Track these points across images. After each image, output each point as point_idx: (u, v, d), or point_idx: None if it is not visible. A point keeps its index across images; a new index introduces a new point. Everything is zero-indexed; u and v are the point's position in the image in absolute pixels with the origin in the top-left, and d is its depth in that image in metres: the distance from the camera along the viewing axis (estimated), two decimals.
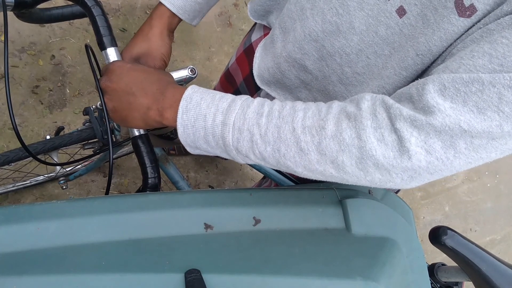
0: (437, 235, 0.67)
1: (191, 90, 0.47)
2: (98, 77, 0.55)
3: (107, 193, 0.57)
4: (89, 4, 0.56)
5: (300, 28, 0.53)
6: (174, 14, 0.61)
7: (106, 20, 0.57)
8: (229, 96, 0.46)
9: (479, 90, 0.34)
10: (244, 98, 0.46)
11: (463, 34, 0.40)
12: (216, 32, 1.72)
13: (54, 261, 0.40)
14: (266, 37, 0.65)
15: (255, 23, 0.78)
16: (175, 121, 0.46)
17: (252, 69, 0.66)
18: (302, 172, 0.44)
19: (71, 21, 1.43)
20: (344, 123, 0.40)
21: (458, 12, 0.38)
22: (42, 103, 1.36)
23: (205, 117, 0.44)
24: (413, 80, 0.47)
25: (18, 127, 1.31)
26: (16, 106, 1.32)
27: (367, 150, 0.39)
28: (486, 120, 0.35)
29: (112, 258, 0.41)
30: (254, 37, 0.75)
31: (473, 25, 0.39)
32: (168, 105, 0.47)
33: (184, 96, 0.46)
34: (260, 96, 0.73)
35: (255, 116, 0.43)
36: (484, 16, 0.38)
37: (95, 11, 0.56)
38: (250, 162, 0.48)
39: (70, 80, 1.41)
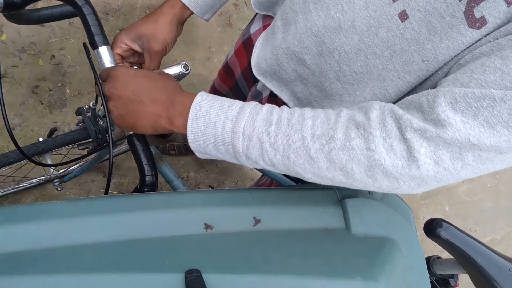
0: (432, 228, 0.67)
1: (200, 98, 0.47)
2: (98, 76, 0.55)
3: (106, 193, 0.57)
4: (79, 3, 0.55)
5: (302, 22, 0.53)
6: (186, 6, 0.62)
7: (97, 19, 0.56)
8: (238, 103, 0.46)
9: (490, 105, 0.35)
10: (253, 105, 0.46)
11: (471, 45, 0.40)
12: (216, 32, 1.72)
13: (54, 261, 0.40)
14: (267, 28, 0.65)
15: (255, 16, 0.78)
16: (185, 128, 0.46)
17: (251, 60, 0.66)
18: (311, 178, 0.45)
19: (71, 21, 1.43)
20: (353, 132, 0.41)
21: (468, 23, 0.39)
22: (42, 103, 1.36)
23: (215, 125, 0.45)
24: (416, 86, 0.47)
25: (18, 127, 1.31)
26: (16, 106, 1.32)
27: (376, 159, 0.40)
28: (496, 135, 0.35)
29: (112, 258, 0.41)
30: (253, 29, 0.75)
31: (482, 38, 0.39)
32: (178, 113, 0.47)
33: (193, 104, 0.46)
34: (257, 88, 0.73)
35: (264, 123, 0.44)
36: (494, 30, 0.38)
37: (86, 10, 0.56)
38: (259, 167, 0.48)
39: (70, 80, 1.41)
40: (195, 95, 0.48)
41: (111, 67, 0.53)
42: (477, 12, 0.38)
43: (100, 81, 0.53)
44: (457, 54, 0.42)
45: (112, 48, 0.61)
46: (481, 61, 0.38)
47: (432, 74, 0.45)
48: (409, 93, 0.49)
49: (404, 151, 0.39)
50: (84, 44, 0.59)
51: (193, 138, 0.46)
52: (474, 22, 0.38)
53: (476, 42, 0.40)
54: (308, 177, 0.45)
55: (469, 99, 0.36)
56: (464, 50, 0.41)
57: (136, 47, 0.62)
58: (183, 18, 0.64)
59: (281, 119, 0.44)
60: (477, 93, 0.35)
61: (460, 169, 0.38)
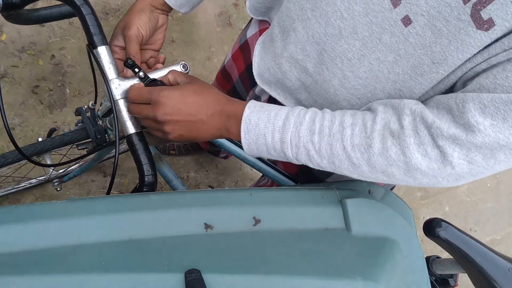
0: (431, 227, 0.68)
1: (248, 111, 0.51)
2: (97, 75, 0.55)
3: (108, 192, 0.57)
4: (78, 3, 0.55)
5: (302, 29, 0.53)
6: None
7: (96, 19, 0.56)
8: (283, 112, 0.50)
9: None
10: (296, 113, 0.50)
11: (483, 49, 0.41)
12: (216, 32, 1.72)
13: (54, 261, 0.40)
14: (264, 35, 0.65)
15: (251, 19, 0.78)
16: (240, 136, 0.52)
17: (248, 65, 0.66)
18: (357, 177, 0.50)
19: (71, 21, 1.43)
20: (389, 141, 0.44)
21: (476, 25, 0.39)
22: (42, 103, 1.36)
23: (264, 136, 0.50)
24: (428, 89, 0.47)
25: (18, 127, 1.31)
26: (16, 106, 1.32)
27: (413, 164, 0.43)
28: None
29: (112, 258, 0.41)
30: (249, 33, 0.75)
31: (493, 42, 0.40)
32: (234, 124, 0.52)
33: (243, 117, 0.51)
34: (255, 92, 0.73)
35: (308, 133, 0.48)
36: (504, 35, 0.39)
37: (84, 10, 0.55)
38: (309, 166, 0.53)
39: (70, 80, 1.41)
40: (244, 104, 0.52)
41: (150, 91, 0.53)
42: (485, 15, 0.38)
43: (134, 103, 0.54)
44: (469, 59, 0.42)
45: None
46: (502, 66, 0.39)
47: (444, 77, 0.46)
48: (423, 95, 0.49)
49: (438, 155, 0.42)
50: (88, 46, 0.58)
51: (248, 147, 0.52)
52: (482, 24, 0.39)
53: (488, 46, 0.40)
54: (354, 177, 0.50)
55: (497, 103, 0.38)
56: (476, 55, 0.42)
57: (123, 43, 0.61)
58: (156, 4, 0.63)
59: (323, 128, 0.48)
60: (504, 97, 0.38)
61: (493, 164, 0.41)
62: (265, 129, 0.50)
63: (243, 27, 1.78)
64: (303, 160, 0.50)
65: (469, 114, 0.39)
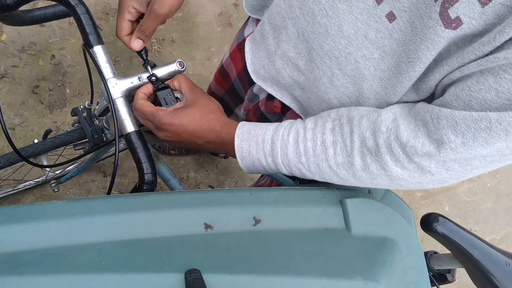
0: (428, 222, 0.67)
1: (238, 140, 0.55)
2: (93, 76, 0.55)
3: (109, 192, 0.57)
4: (73, 3, 0.55)
5: (292, 27, 0.53)
6: None
7: (91, 18, 0.56)
8: (268, 136, 0.53)
9: (487, 127, 0.38)
10: (280, 136, 0.53)
11: (457, 51, 0.41)
12: (216, 32, 1.72)
13: (54, 261, 0.40)
14: (254, 33, 0.65)
15: (248, 18, 0.78)
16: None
17: (246, 64, 0.66)
18: (351, 185, 0.53)
19: (71, 21, 1.43)
20: (368, 158, 0.47)
21: (444, 24, 0.38)
22: (42, 103, 1.36)
23: (259, 160, 0.55)
24: (409, 86, 0.47)
25: (18, 127, 1.31)
26: (16, 106, 1.32)
27: (395, 176, 0.46)
28: (495, 147, 0.39)
29: (112, 258, 0.41)
30: (247, 32, 0.75)
31: (466, 46, 0.40)
32: (230, 149, 0.56)
33: (235, 147, 0.55)
34: (253, 91, 0.73)
35: (295, 156, 0.52)
36: (475, 36, 0.39)
37: (79, 9, 0.55)
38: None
39: (70, 80, 1.41)
40: (235, 133, 0.55)
41: (153, 115, 0.56)
42: (452, 13, 0.38)
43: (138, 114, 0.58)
44: (445, 61, 0.42)
45: (119, 14, 0.57)
46: (476, 78, 0.39)
47: (424, 76, 0.45)
48: (405, 95, 0.49)
49: (415, 167, 0.44)
50: (84, 46, 0.58)
51: (247, 170, 0.57)
52: (450, 22, 0.38)
53: (461, 48, 0.40)
54: (348, 185, 0.53)
55: (467, 121, 0.39)
56: (451, 57, 0.41)
57: (145, 10, 0.57)
58: None
59: (307, 149, 0.51)
60: (475, 116, 0.38)
61: (471, 169, 0.43)
62: (257, 154, 0.54)
63: None
64: (298, 175, 0.54)
65: (442, 131, 0.40)
